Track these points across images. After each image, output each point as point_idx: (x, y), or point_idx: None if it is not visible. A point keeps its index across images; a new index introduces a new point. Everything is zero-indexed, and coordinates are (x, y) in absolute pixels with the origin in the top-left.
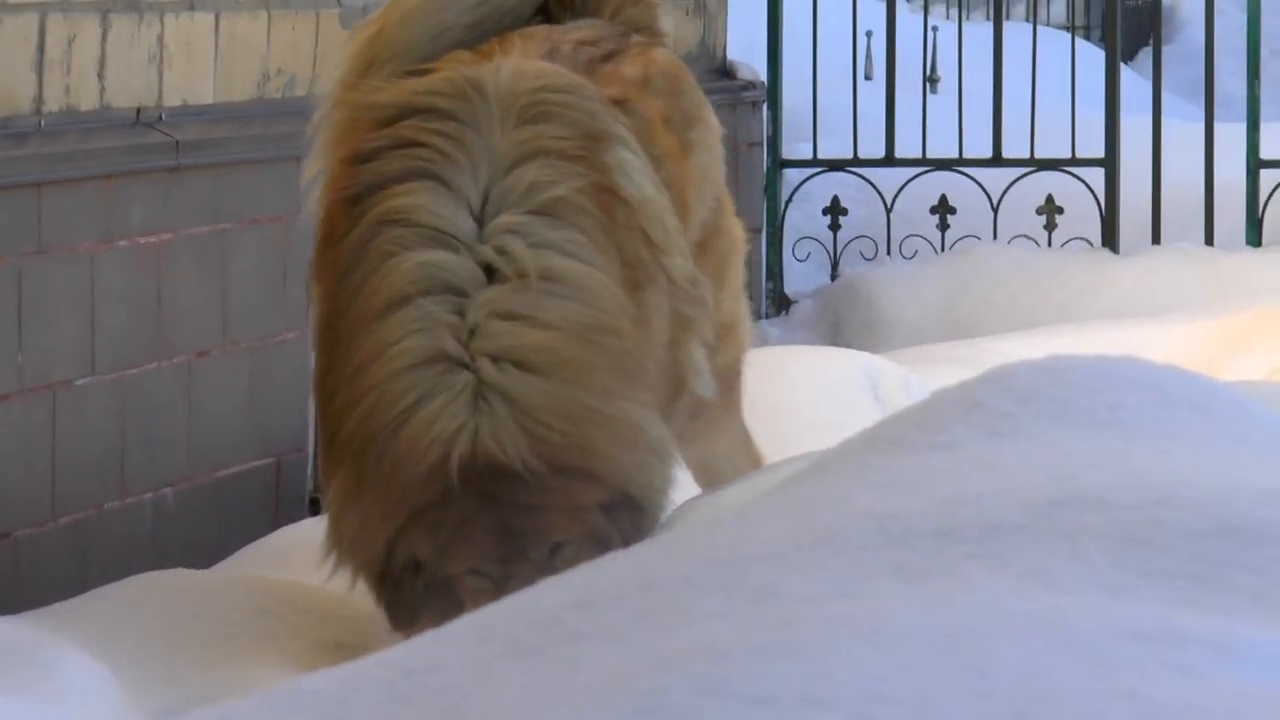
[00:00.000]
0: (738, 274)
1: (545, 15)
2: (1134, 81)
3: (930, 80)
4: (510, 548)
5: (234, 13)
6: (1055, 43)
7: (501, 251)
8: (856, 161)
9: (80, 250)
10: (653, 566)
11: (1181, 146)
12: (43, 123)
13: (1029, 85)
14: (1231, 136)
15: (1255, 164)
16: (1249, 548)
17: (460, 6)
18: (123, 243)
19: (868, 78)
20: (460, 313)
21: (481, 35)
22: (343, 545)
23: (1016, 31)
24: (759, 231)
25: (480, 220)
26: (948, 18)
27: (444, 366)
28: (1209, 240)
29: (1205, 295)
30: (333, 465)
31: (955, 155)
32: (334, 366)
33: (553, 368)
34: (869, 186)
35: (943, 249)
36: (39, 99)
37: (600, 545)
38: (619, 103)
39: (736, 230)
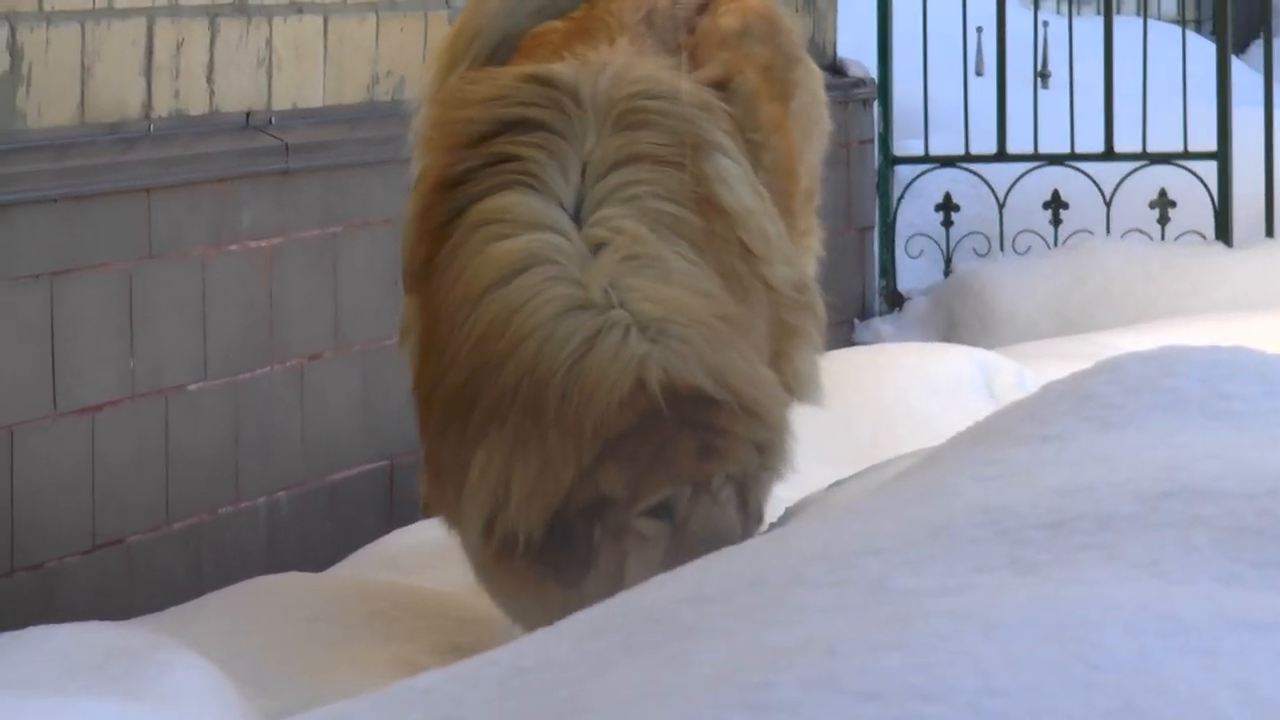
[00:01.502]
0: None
1: None
2: (1245, 74)
3: (1041, 75)
4: (705, 473)
5: (342, 15)
6: (1166, 36)
7: (615, 231)
8: (968, 157)
9: (191, 254)
10: (764, 562)
11: None
12: (152, 127)
13: (1140, 79)
14: None
15: None
16: None
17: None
18: (233, 247)
19: (978, 74)
20: (587, 276)
21: None
22: (509, 502)
23: (1127, 25)
24: (871, 229)
25: (578, 217)
26: (1058, 12)
27: (598, 310)
28: None
29: None
30: (481, 431)
31: (1067, 150)
32: (444, 350)
33: (696, 322)
34: (981, 182)
35: (1055, 244)
36: (148, 104)
37: (745, 489)
38: (721, 84)
39: (811, 215)
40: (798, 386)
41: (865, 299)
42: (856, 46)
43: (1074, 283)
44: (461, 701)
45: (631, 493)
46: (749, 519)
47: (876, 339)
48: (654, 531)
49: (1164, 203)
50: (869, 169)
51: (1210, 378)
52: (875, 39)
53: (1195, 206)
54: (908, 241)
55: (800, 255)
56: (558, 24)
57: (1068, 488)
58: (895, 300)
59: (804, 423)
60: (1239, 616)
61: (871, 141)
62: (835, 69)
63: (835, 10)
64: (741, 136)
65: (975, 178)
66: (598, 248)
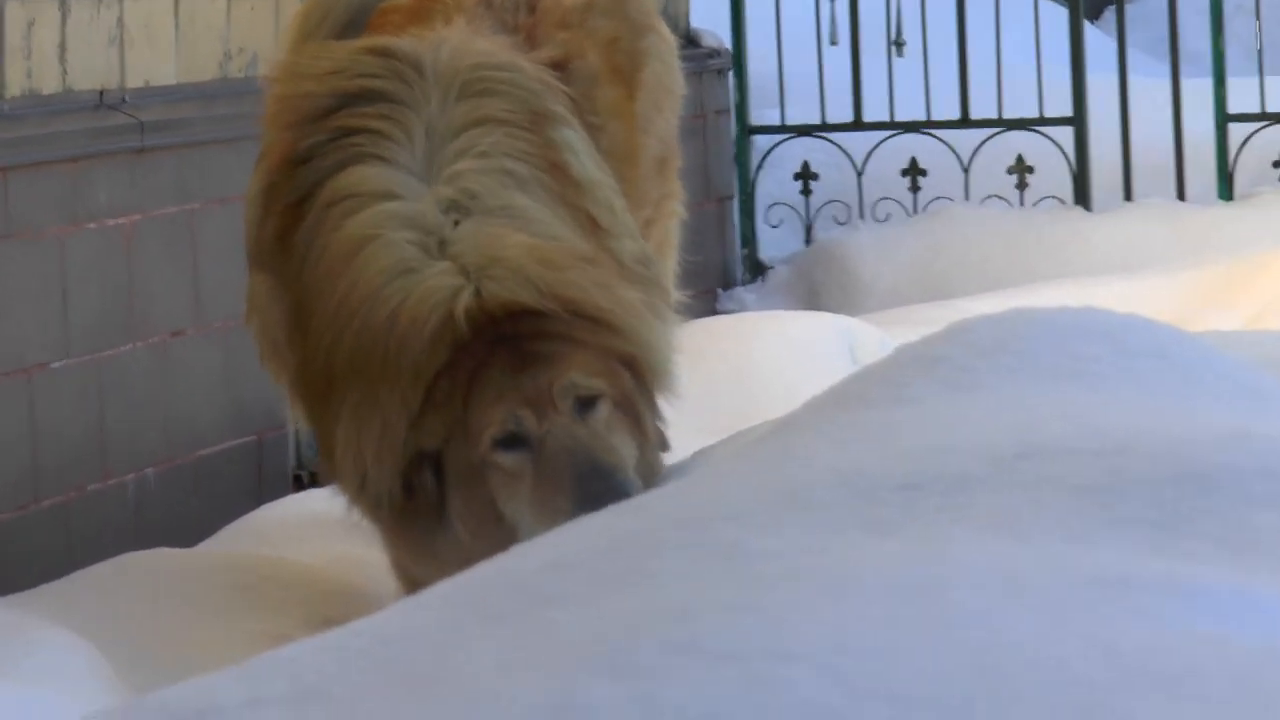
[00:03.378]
0: (669, 227)
1: None
2: (1099, 40)
3: (896, 44)
4: (535, 388)
5: None
6: (1019, 2)
7: (466, 190)
8: (825, 126)
9: (48, 234)
10: (622, 528)
11: (1149, 103)
12: (5, 108)
13: (994, 46)
14: (1198, 92)
15: (1223, 118)
16: (1209, 493)
17: None
18: (91, 225)
19: (833, 43)
20: (429, 235)
21: None
22: (367, 471)
23: None
24: (730, 199)
25: (428, 181)
26: None
27: (424, 263)
28: (1180, 195)
29: (1178, 250)
30: (339, 402)
31: (923, 118)
32: (307, 329)
33: (545, 253)
34: (839, 151)
35: (915, 211)
36: (1, 84)
37: (628, 407)
38: (559, 66)
39: (674, 179)
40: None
41: (727, 268)
42: (709, 17)
43: (934, 250)
44: (325, 672)
45: (469, 428)
46: (644, 441)
47: (740, 308)
48: (513, 464)
49: (1021, 168)
50: (726, 139)
51: (1059, 339)
52: (729, 8)
53: (1053, 172)
54: (768, 211)
55: (662, 220)
56: (402, 3)
57: (921, 450)
58: (757, 269)
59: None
60: (1089, 573)
61: (727, 111)
62: (689, 39)
63: None
64: (580, 119)
65: (833, 146)
66: (449, 207)
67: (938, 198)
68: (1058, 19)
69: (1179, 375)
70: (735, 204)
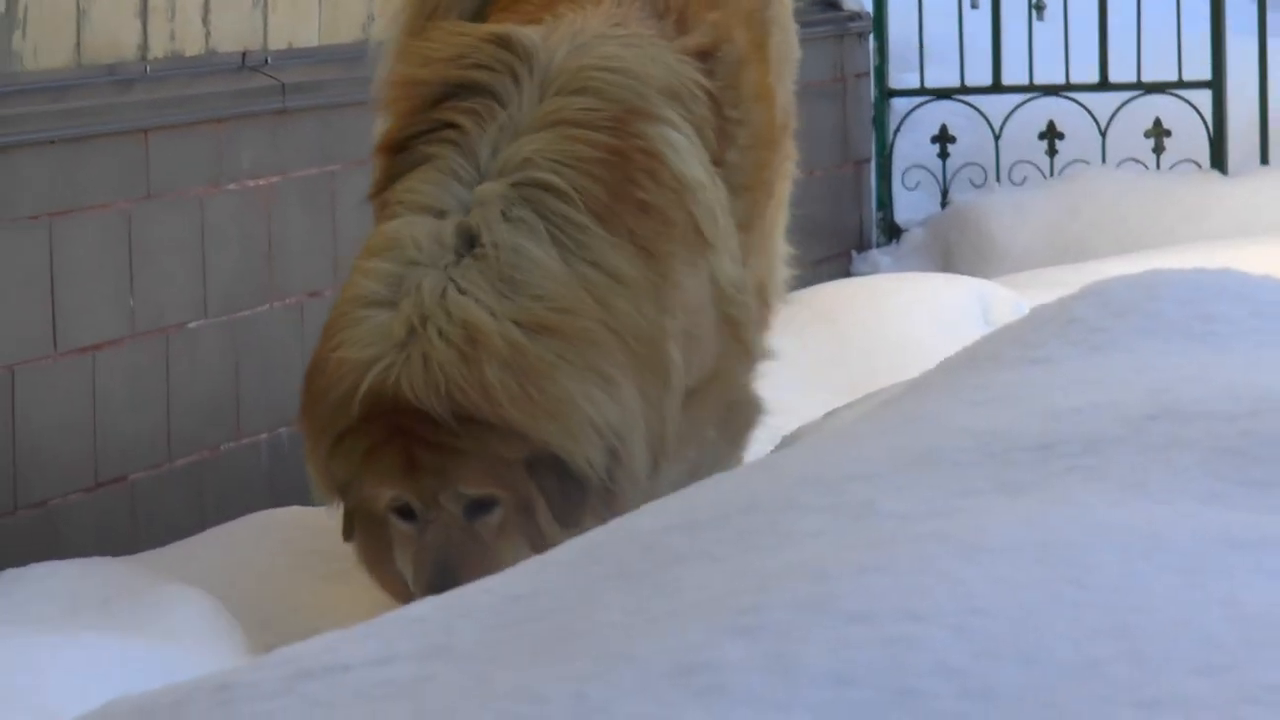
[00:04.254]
0: (776, 210)
1: None
2: (1239, 3)
3: (1036, 6)
4: (420, 485)
5: None
6: None
7: (485, 225)
8: (963, 89)
9: (189, 195)
10: (754, 488)
11: None
12: (148, 69)
13: (1134, 9)
14: None
15: None
16: None
17: None
18: (231, 186)
19: (973, 6)
20: (418, 270)
21: None
22: (309, 464)
23: None
24: (868, 162)
25: (475, 183)
26: None
27: (380, 310)
28: None
29: None
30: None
31: (1062, 81)
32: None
33: (477, 345)
34: (977, 114)
35: (1051, 174)
36: (144, 45)
37: (526, 510)
38: (707, 53)
39: (788, 156)
40: (736, 387)
41: (863, 231)
42: None
43: (1069, 212)
44: (453, 630)
45: (359, 489)
46: (539, 540)
47: (874, 270)
48: (405, 530)
49: (1159, 132)
50: (865, 102)
51: (1193, 300)
52: None
53: (1190, 135)
54: (904, 173)
55: (779, 182)
56: None
57: (1054, 410)
58: (893, 232)
59: (801, 351)
60: (1222, 534)
61: (867, 75)
62: (830, 3)
63: None
64: (720, 115)
65: (971, 109)
66: (463, 239)
67: (1074, 161)
68: None
69: None
70: (873, 167)
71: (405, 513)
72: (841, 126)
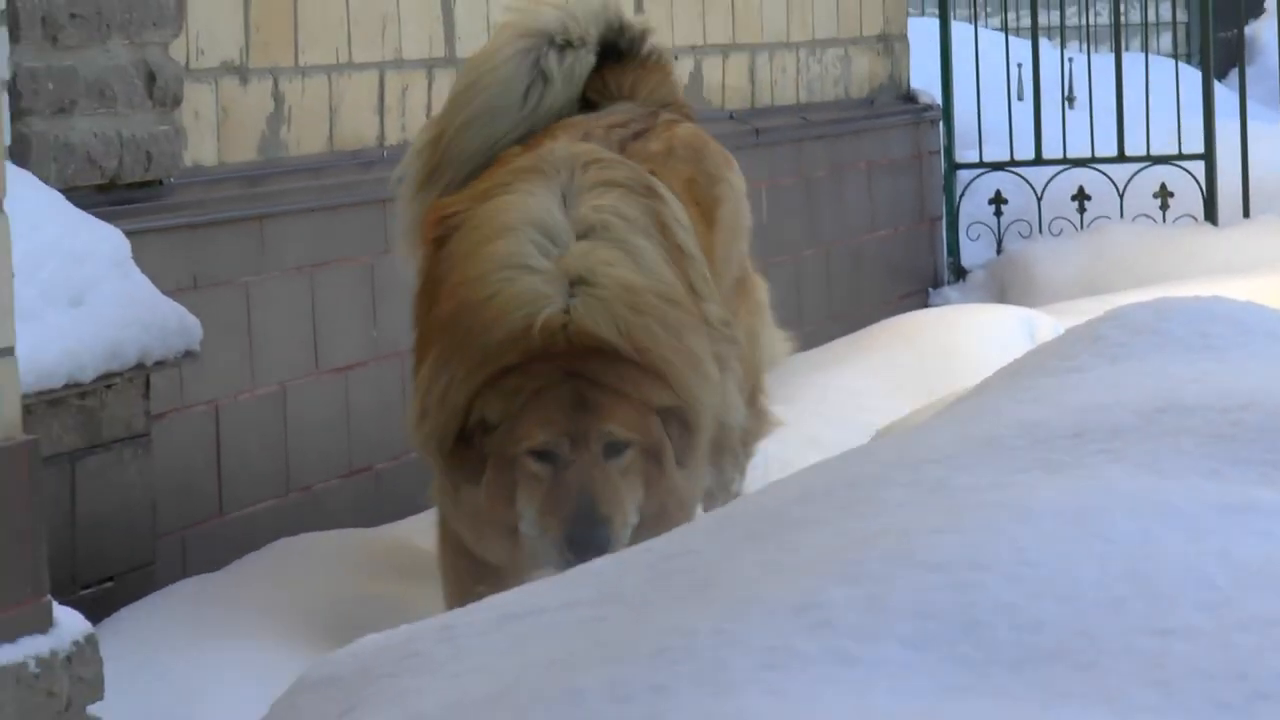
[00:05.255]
0: (757, 310)
1: (586, 105)
2: (1225, 95)
3: (1068, 99)
4: (579, 425)
5: None
6: (1163, 67)
7: (599, 222)
8: (1013, 163)
9: (417, 250)
10: (853, 470)
11: (1265, 142)
12: (385, 153)
13: (1144, 99)
14: None
15: None
16: None
17: (513, 118)
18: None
19: (1019, 99)
20: (554, 242)
21: (528, 136)
22: (428, 412)
23: (1134, 59)
24: (939, 220)
25: (566, 201)
26: (1081, 50)
27: (536, 263)
28: None
29: None
30: (424, 351)
31: (1089, 155)
32: (435, 295)
33: (633, 294)
34: (1023, 182)
35: (1081, 228)
36: (381, 136)
37: (654, 458)
38: (691, 180)
39: (756, 279)
40: (728, 412)
41: (937, 272)
42: (925, 79)
43: (1095, 256)
44: (622, 580)
45: (511, 428)
46: (658, 482)
47: (945, 302)
48: (538, 471)
49: (1164, 194)
50: (937, 174)
51: (1194, 321)
52: (939, 73)
53: (1189, 196)
54: (968, 228)
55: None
56: (517, 148)
57: (1086, 406)
58: (960, 273)
59: (890, 366)
60: (1218, 502)
61: (938, 152)
62: (909, 98)
63: (908, 53)
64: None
65: (1019, 178)
66: (580, 227)
67: (1099, 217)
68: (1194, 79)
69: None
70: (944, 223)
71: (542, 455)
72: (919, 193)
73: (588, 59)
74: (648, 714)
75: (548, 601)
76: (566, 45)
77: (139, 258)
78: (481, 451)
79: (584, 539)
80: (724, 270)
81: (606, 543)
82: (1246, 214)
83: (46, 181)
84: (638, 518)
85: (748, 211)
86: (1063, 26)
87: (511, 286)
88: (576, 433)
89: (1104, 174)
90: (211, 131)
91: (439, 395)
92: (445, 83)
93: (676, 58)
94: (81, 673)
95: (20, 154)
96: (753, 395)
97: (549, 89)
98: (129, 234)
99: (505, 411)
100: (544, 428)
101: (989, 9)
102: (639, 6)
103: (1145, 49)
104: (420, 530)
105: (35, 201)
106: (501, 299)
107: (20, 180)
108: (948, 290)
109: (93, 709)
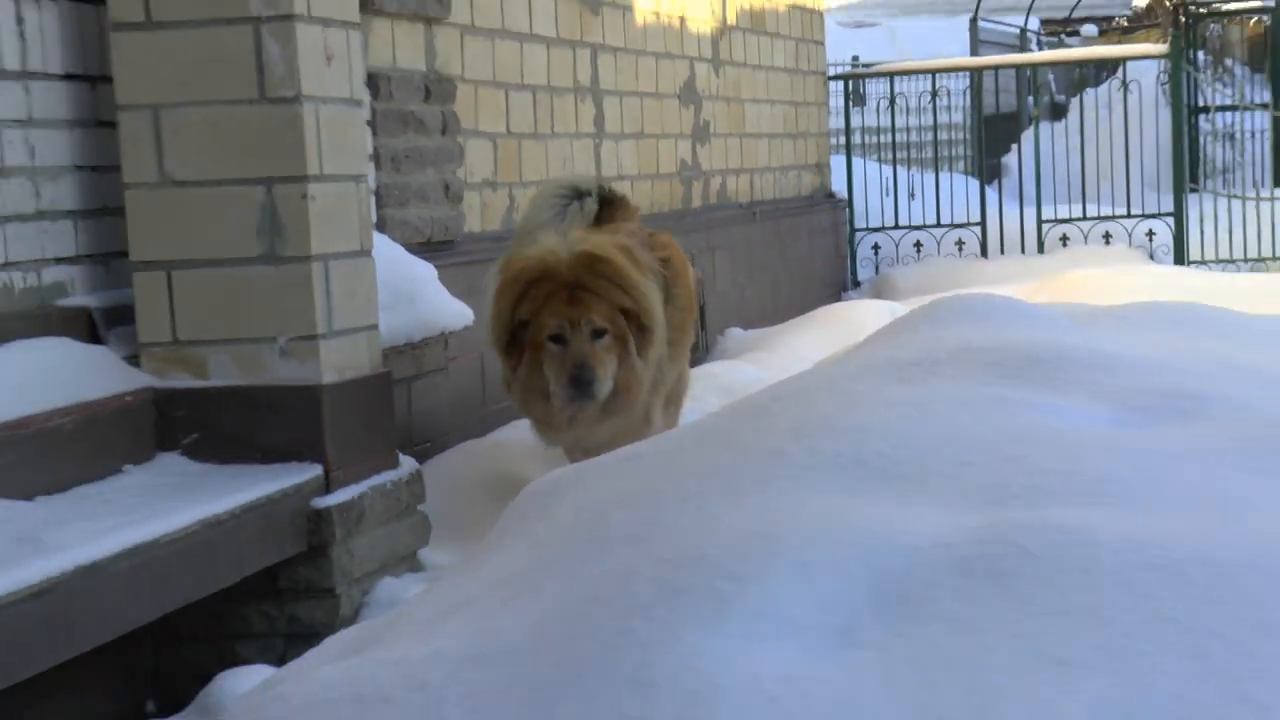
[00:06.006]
0: (687, 355)
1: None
2: (990, 194)
3: (910, 194)
4: (574, 318)
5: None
6: (959, 179)
7: (587, 236)
8: (883, 228)
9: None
10: (802, 383)
11: (1008, 217)
12: (459, 244)
13: (950, 194)
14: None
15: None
16: (1038, 363)
17: (545, 218)
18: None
19: (886, 195)
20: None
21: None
22: (492, 324)
23: (944, 175)
24: (847, 256)
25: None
26: (918, 169)
27: (552, 239)
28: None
29: (1027, 272)
30: (493, 297)
31: (922, 223)
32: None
33: (608, 246)
34: (888, 237)
35: (919, 260)
36: (460, 227)
37: (622, 343)
38: (665, 260)
39: (689, 335)
40: (651, 412)
41: (845, 283)
42: (839, 185)
43: (925, 275)
44: (673, 447)
45: (536, 322)
46: (624, 356)
47: (849, 298)
48: (554, 349)
49: (960, 242)
50: (844, 234)
51: (978, 304)
52: (846, 182)
53: (973, 244)
54: (860, 261)
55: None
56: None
57: (920, 349)
58: (856, 284)
59: (819, 331)
60: (989, 396)
61: (845, 223)
62: (830, 195)
63: (830, 172)
64: (666, 288)
65: (887, 235)
66: (581, 239)
67: (928, 254)
68: (974, 184)
69: (1018, 315)
70: (849, 258)
71: (556, 339)
72: (836, 243)
73: (593, 204)
74: (697, 507)
75: (644, 449)
76: (579, 194)
77: (441, 279)
78: (521, 345)
79: (580, 382)
80: (677, 324)
81: (592, 386)
82: (1001, 252)
83: (393, 240)
84: (612, 383)
85: (695, 293)
86: (909, 157)
87: (534, 246)
88: (572, 321)
89: (930, 232)
90: (477, 215)
91: (496, 311)
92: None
93: (720, 176)
94: (414, 489)
95: (380, 226)
96: (678, 400)
97: (570, 216)
98: (437, 267)
99: (531, 310)
100: (554, 318)
101: (868, 151)
102: (699, 145)
103: (950, 169)
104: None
105: (389, 250)
106: (528, 252)
107: (380, 240)
108: (851, 292)
109: (421, 507)
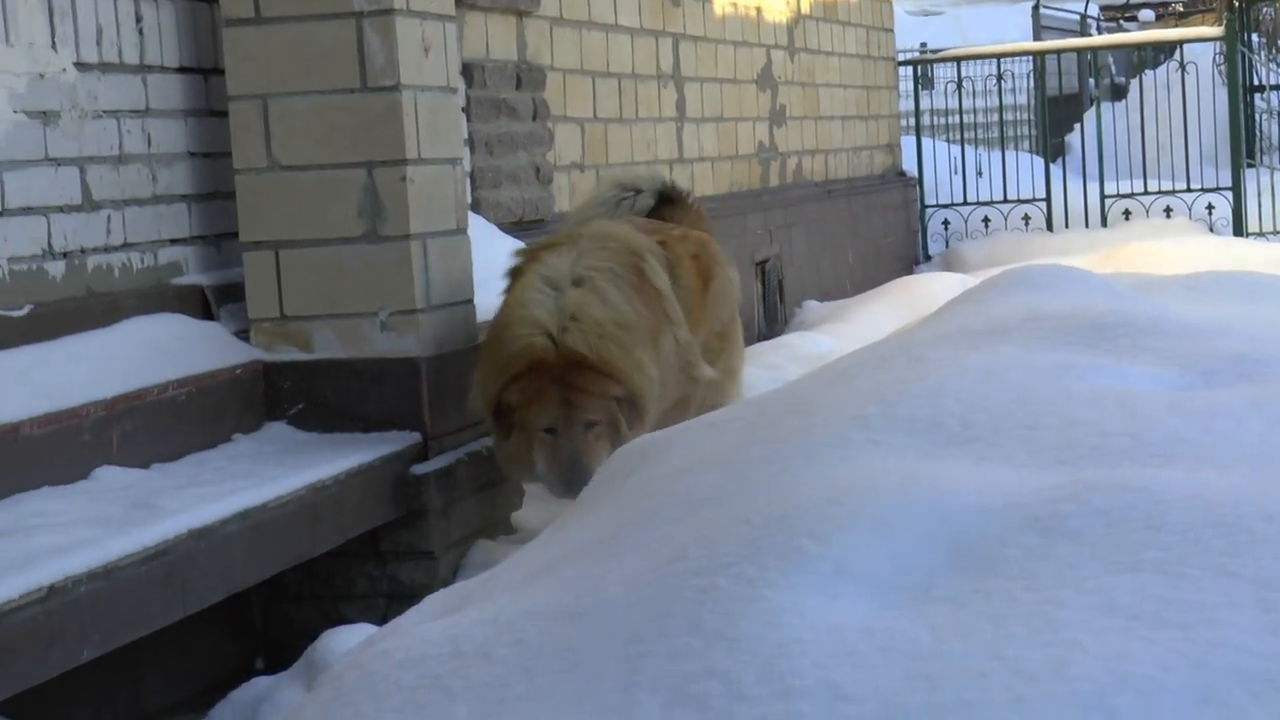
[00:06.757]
0: (734, 356)
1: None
2: (1055, 170)
3: (978, 172)
4: (565, 416)
5: None
6: (1024, 156)
7: (585, 275)
8: (952, 204)
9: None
10: (878, 351)
11: (1073, 193)
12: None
13: (1015, 172)
14: None
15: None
16: (1103, 329)
17: (596, 211)
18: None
19: (955, 173)
20: (556, 288)
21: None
22: (476, 396)
23: (1010, 153)
24: (918, 232)
25: (575, 263)
26: (984, 148)
27: (542, 303)
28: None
29: (1093, 242)
30: (478, 360)
31: (989, 199)
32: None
33: (599, 326)
34: (957, 213)
35: (986, 234)
36: (549, 208)
37: (614, 429)
38: (663, 243)
39: (737, 337)
40: (690, 408)
41: (916, 257)
42: (909, 165)
43: (993, 248)
44: (756, 412)
45: (526, 413)
46: (618, 442)
47: (921, 271)
48: (545, 439)
49: (1026, 217)
50: (915, 210)
51: (1045, 274)
52: (916, 161)
53: (1039, 218)
54: (931, 236)
55: (724, 364)
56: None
57: (991, 317)
58: (928, 258)
59: (890, 302)
60: (1058, 362)
61: (916, 200)
62: (901, 174)
63: (901, 151)
64: (669, 268)
65: (956, 211)
66: (573, 278)
67: (996, 229)
68: (1039, 162)
69: (1085, 284)
70: (920, 234)
71: (548, 429)
72: (907, 219)
73: (647, 200)
74: (779, 469)
75: (728, 416)
76: (636, 191)
77: None
78: (510, 421)
79: (571, 481)
80: (711, 319)
81: (584, 482)
82: (1066, 226)
83: (487, 220)
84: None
85: (734, 289)
86: (976, 137)
87: (524, 317)
88: (565, 418)
89: (997, 208)
90: (566, 195)
91: (480, 386)
92: (679, 172)
93: (796, 156)
94: None
95: (474, 207)
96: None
97: (618, 211)
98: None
99: (519, 401)
100: (546, 415)
101: (937, 132)
102: (775, 127)
103: (1016, 148)
104: None
105: (484, 230)
106: (515, 326)
107: (475, 220)
108: (922, 266)
109: None
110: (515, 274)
